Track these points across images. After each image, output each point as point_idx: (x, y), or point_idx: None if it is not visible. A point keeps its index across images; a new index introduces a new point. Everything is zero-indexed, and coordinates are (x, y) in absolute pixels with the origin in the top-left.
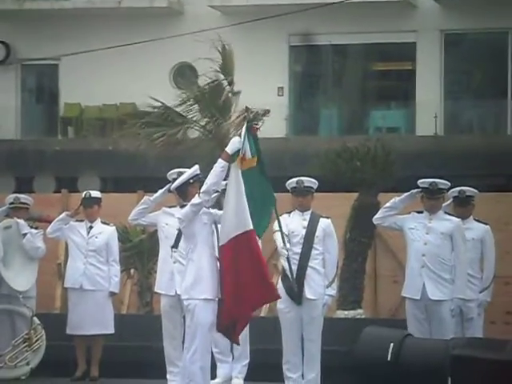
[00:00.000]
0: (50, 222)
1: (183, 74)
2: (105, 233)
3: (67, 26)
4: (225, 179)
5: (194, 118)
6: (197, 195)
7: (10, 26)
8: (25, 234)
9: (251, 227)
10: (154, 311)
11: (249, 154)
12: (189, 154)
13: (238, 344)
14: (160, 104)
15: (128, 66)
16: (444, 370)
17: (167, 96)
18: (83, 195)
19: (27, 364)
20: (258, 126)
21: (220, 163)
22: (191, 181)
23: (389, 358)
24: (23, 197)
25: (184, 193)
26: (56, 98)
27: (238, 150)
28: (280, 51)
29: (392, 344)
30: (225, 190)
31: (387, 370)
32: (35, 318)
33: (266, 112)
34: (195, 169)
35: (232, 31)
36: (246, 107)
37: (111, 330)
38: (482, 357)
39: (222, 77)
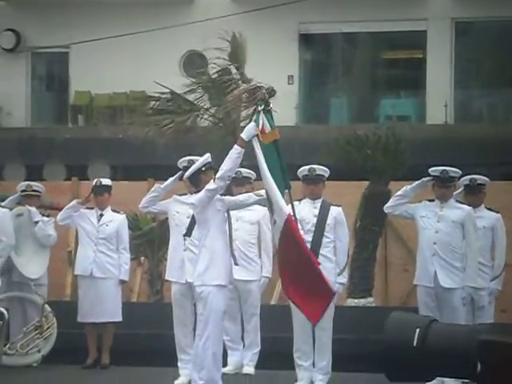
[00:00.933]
0: (60, 210)
1: (193, 62)
2: (115, 221)
3: (77, 13)
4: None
5: (205, 107)
6: (212, 181)
7: (20, 13)
8: (36, 222)
9: None
10: (165, 299)
11: (268, 128)
12: (199, 141)
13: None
14: (168, 90)
15: (138, 54)
16: (470, 355)
17: (177, 84)
18: (94, 183)
19: (38, 351)
20: (268, 108)
21: (236, 149)
22: (203, 168)
23: (415, 344)
24: (35, 184)
25: (196, 181)
26: (66, 86)
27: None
28: (290, 39)
29: (418, 329)
30: (235, 177)
31: (413, 356)
32: (46, 306)
33: (273, 92)
34: (207, 156)
35: (242, 19)
36: (260, 86)
37: (119, 318)
38: (509, 342)
39: (231, 65)
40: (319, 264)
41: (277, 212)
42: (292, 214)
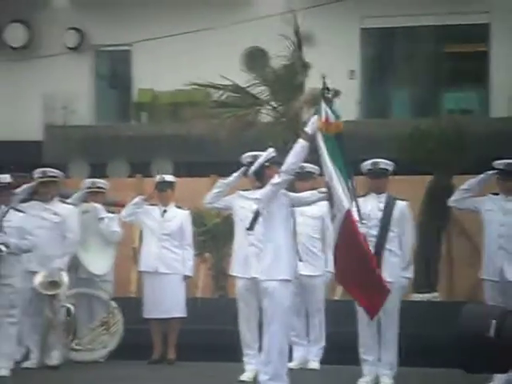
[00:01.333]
0: (124, 207)
1: (254, 58)
2: (179, 217)
3: (139, 11)
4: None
5: (268, 101)
6: (276, 175)
7: (83, 12)
8: (102, 219)
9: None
10: (229, 294)
11: (332, 118)
12: (261, 136)
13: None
14: (231, 83)
15: (200, 51)
16: None
17: (239, 80)
18: (157, 179)
19: (105, 347)
20: (329, 96)
21: (300, 143)
22: (267, 163)
23: (491, 335)
24: (100, 181)
25: (261, 176)
26: (129, 84)
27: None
28: (352, 34)
29: (494, 321)
30: (298, 172)
31: (490, 347)
32: (112, 302)
33: (338, 93)
34: (271, 151)
35: (303, 15)
36: (323, 76)
37: (184, 314)
38: None
39: (296, 59)
40: (377, 267)
41: (337, 205)
42: (352, 209)
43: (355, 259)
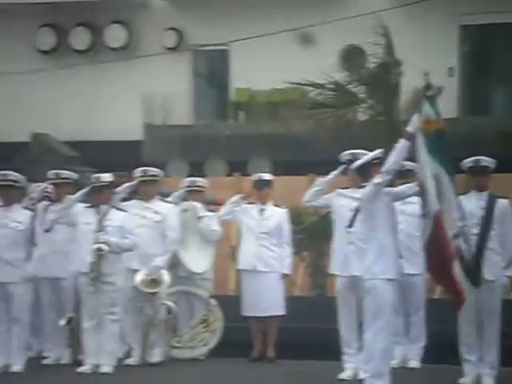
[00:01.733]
0: (222, 205)
1: (352, 56)
2: (276, 215)
3: (237, 11)
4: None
5: (367, 100)
6: (377, 175)
7: (181, 13)
8: (201, 217)
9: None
10: (328, 293)
11: (432, 116)
12: (359, 136)
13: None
14: (332, 80)
15: (297, 50)
16: None
17: (336, 78)
18: (255, 178)
19: (205, 345)
20: (432, 93)
21: (401, 142)
22: (375, 161)
23: None
24: (199, 180)
25: (365, 173)
26: (227, 83)
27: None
28: (450, 31)
29: None
30: (399, 171)
31: None
32: (212, 300)
33: (440, 90)
34: (379, 151)
35: (402, 13)
36: (425, 73)
37: (283, 312)
38: None
39: (390, 58)
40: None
41: (431, 203)
42: (443, 209)
43: (443, 258)
